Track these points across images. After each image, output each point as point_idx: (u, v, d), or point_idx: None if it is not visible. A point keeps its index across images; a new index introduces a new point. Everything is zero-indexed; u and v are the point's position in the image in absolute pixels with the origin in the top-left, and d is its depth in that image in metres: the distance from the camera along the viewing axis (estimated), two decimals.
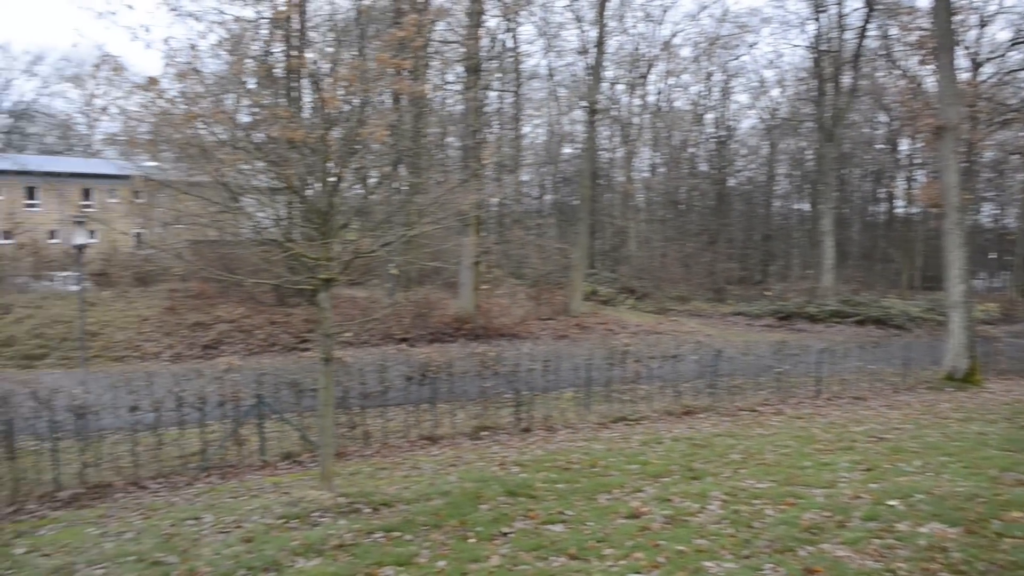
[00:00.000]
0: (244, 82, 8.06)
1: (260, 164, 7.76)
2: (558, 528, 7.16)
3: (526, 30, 46.75)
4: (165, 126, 7.18)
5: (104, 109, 7.28)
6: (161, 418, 11.24)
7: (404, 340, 25.21)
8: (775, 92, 55.30)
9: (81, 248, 22.90)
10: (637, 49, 46.64)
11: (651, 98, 50.92)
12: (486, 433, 13.12)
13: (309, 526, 7.50)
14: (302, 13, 26.22)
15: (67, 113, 69.07)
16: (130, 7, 13.96)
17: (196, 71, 6.91)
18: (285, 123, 6.74)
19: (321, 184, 7.55)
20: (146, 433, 11.21)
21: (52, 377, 17.77)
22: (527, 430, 13.31)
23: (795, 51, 78.65)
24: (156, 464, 11.13)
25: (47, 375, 18.86)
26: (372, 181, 9.35)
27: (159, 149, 8.52)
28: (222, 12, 23.66)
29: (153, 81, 6.78)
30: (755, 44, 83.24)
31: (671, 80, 50.79)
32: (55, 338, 24.05)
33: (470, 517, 7.49)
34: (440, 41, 28.31)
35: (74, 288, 27.95)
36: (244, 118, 8.11)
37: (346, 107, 7.11)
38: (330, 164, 7.25)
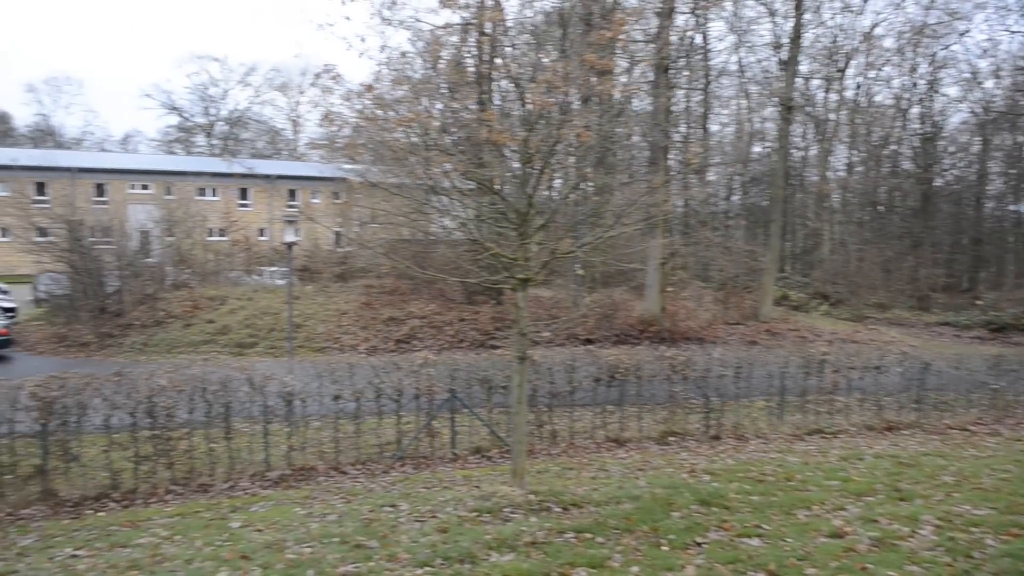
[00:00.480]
0: (447, 87, 8.31)
1: (459, 165, 7.96)
2: (755, 542, 6.89)
3: (716, 26, 45.25)
4: (376, 130, 7.50)
5: (327, 115, 7.66)
6: (360, 407, 11.86)
7: (589, 341, 25.23)
8: (989, 83, 50.73)
9: (290, 245, 24.54)
10: (835, 42, 44.22)
11: (849, 93, 48.20)
12: (674, 438, 12.91)
13: (501, 521, 7.63)
14: (500, 18, 26.81)
15: (284, 118, 74.33)
16: (347, 18, 14.78)
17: (407, 77, 7.20)
18: (491, 126, 6.86)
19: (519, 185, 7.65)
20: (346, 421, 11.85)
21: (263, 365, 19.09)
22: (716, 438, 12.98)
23: (1014, 38, 71.81)
24: (355, 451, 11.76)
25: (258, 363, 20.28)
26: (566, 182, 9.39)
27: (361, 152, 8.95)
28: (418, 20, 24.56)
29: (369, 88, 7.12)
30: (967, 32, 76.57)
31: (871, 73, 47.78)
32: (264, 328, 25.93)
33: (662, 524, 7.36)
34: (629, 40, 28.10)
35: (281, 282, 29.99)
36: (440, 121, 8.35)
37: (549, 109, 7.15)
38: (531, 166, 7.32)
